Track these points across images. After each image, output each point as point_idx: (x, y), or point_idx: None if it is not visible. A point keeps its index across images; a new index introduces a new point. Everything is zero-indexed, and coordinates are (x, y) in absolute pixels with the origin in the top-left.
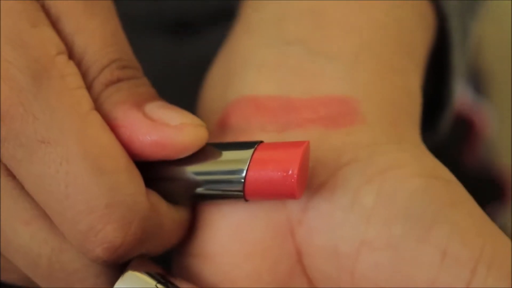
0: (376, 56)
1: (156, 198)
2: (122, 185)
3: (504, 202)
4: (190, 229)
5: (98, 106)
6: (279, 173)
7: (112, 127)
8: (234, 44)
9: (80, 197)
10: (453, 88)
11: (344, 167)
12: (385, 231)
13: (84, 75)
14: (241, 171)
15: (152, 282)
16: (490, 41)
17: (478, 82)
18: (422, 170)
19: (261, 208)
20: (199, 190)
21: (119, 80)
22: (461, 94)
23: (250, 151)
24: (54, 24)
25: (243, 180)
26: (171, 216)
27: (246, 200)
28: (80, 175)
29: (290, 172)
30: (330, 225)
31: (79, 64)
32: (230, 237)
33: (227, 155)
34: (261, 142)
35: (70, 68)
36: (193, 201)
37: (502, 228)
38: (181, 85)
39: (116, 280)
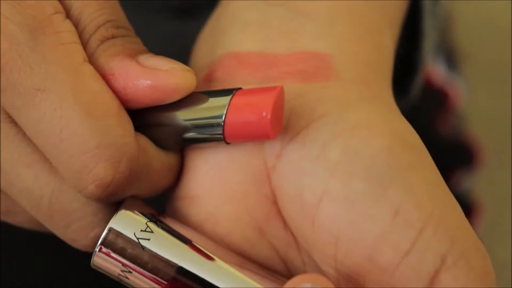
0: (351, 16)
1: (144, 141)
2: (111, 128)
3: (473, 165)
4: (178, 174)
5: (95, 60)
6: (254, 116)
7: (109, 77)
8: (224, 6)
9: (73, 140)
10: (424, 52)
11: (316, 120)
12: (345, 185)
13: (81, 34)
14: (220, 115)
15: (143, 220)
16: (463, 21)
17: (451, 59)
18: (389, 131)
19: (241, 154)
20: (185, 134)
21: (113, 37)
22: (436, 68)
23: (229, 97)
24: None
25: (222, 124)
26: (159, 159)
27: (227, 143)
28: (73, 120)
29: (264, 114)
30: (298, 173)
31: (76, 25)
32: (212, 181)
33: (209, 101)
34: (239, 88)
35: (66, 26)
36: (181, 145)
37: (470, 189)
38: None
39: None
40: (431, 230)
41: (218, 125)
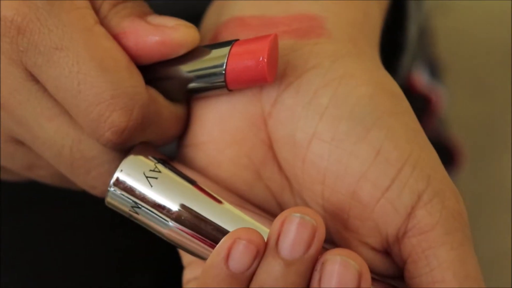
0: None
1: (154, 92)
2: (123, 79)
3: (454, 165)
4: (186, 124)
5: (108, 21)
6: (252, 61)
7: (122, 35)
8: None
9: (89, 91)
10: (409, 33)
11: (309, 71)
12: (332, 127)
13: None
14: (222, 64)
15: (152, 161)
16: (444, 34)
17: (434, 69)
18: (373, 80)
19: (240, 102)
20: (191, 85)
21: (124, 1)
22: (420, 76)
23: (228, 47)
24: None
25: (224, 72)
26: (168, 108)
27: (229, 90)
28: (89, 74)
29: (261, 58)
30: (291, 118)
31: None
32: (214, 127)
33: (211, 53)
34: (237, 40)
35: None
36: (187, 95)
37: None
38: None
39: None
40: (409, 169)
41: (220, 73)
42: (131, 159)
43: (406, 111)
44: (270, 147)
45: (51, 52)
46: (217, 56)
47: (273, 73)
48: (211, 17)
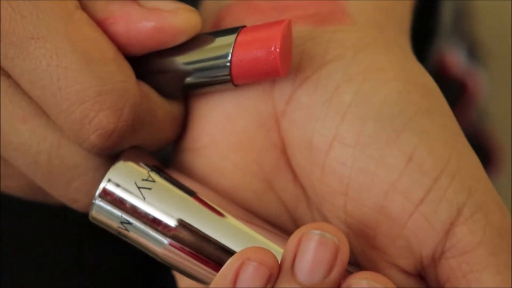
0: None
1: (146, 87)
2: (111, 74)
3: (492, 167)
4: (183, 126)
5: (93, 4)
6: (262, 51)
7: (110, 21)
8: None
9: (72, 88)
10: (442, 18)
11: (328, 63)
12: (357, 129)
13: None
14: (226, 55)
15: (145, 169)
16: (487, 11)
17: (473, 50)
18: (403, 74)
19: (249, 100)
20: (190, 79)
21: None
22: (455, 56)
23: (234, 35)
24: None
25: (229, 64)
26: (163, 106)
27: (235, 85)
28: (70, 67)
29: (273, 48)
30: (308, 118)
31: None
32: (218, 129)
33: (214, 42)
34: (244, 26)
35: None
36: (185, 91)
37: None
38: None
39: None
40: (447, 179)
41: (224, 65)
42: (120, 166)
43: (443, 110)
44: (283, 151)
45: (26, 42)
46: (221, 45)
47: (286, 66)
48: None
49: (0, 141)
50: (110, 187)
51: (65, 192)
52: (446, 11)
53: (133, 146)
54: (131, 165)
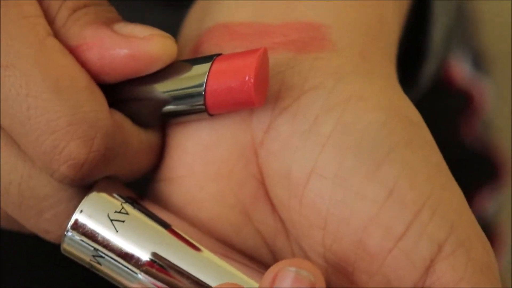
0: None
1: (120, 116)
2: (82, 103)
3: (498, 180)
4: (162, 154)
5: (67, 30)
6: (236, 81)
7: (83, 47)
8: None
9: (42, 117)
10: (432, 39)
11: (308, 92)
12: (336, 161)
13: (50, 3)
14: (201, 84)
15: (118, 201)
16: (491, 19)
17: (478, 59)
18: (385, 104)
19: (227, 129)
20: (166, 108)
21: (86, 6)
22: (460, 66)
23: (209, 64)
24: None
25: (203, 93)
26: (137, 136)
27: (210, 115)
28: (41, 96)
29: (247, 78)
30: (287, 149)
31: None
32: (195, 158)
33: (189, 70)
34: (220, 54)
35: None
36: (162, 120)
37: (498, 210)
38: None
39: None
40: (428, 213)
41: (199, 94)
42: (93, 197)
43: (426, 141)
44: (262, 183)
45: None
46: (196, 74)
47: (262, 95)
48: (192, 22)
49: None
50: (82, 219)
51: (36, 223)
52: (437, 31)
53: (107, 176)
54: (104, 196)
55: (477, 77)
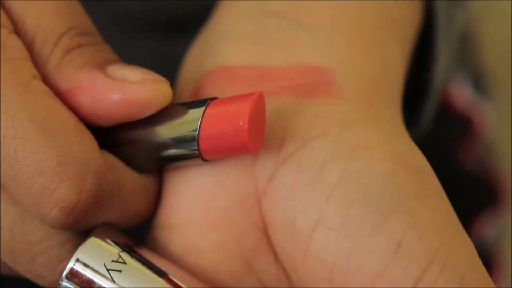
0: (355, 27)
1: (112, 157)
2: (71, 143)
3: (499, 207)
4: (160, 199)
5: (60, 72)
6: (230, 126)
7: (76, 91)
8: (215, 18)
9: (30, 159)
10: (435, 77)
11: (313, 140)
12: (342, 212)
13: (42, 45)
14: (195, 129)
15: (115, 250)
16: (492, 42)
17: (479, 82)
18: (392, 153)
19: (228, 175)
20: (161, 152)
21: (79, 46)
22: (460, 91)
23: (202, 108)
24: (1, 4)
25: (197, 138)
26: (131, 177)
27: (205, 160)
28: (28, 138)
29: (241, 123)
30: (291, 198)
31: (34, 37)
32: (195, 206)
33: (183, 114)
34: (215, 98)
35: (12, 41)
36: (158, 165)
37: (498, 235)
38: (173, 85)
39: None
40: (438, 267)
41: (193, 139)
42: (89, 245)
43: (434, 191)
44: (265, 232)
45: None
46: (190, 118)
47: (258, 140)
48: (191, 64)
49: None
50: (78, 268)
51: (30, 269)
52: (439, 70)
53: (104, 223)
54: (101, 244)
55: (477, 100)
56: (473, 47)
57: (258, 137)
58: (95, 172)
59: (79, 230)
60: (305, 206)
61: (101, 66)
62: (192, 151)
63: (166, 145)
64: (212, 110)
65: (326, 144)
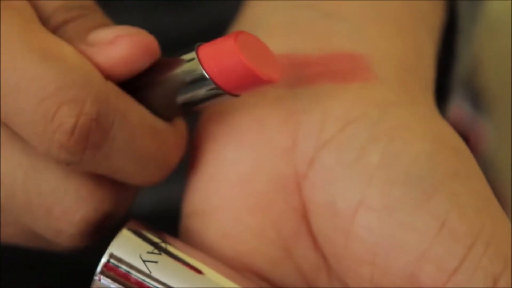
0: (385, 16)
1: (118, 89)
2: (71, 67)
3: None
4: (193, 185)
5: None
6: (229, 60)
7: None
8: (246, 13)
9: (31, 87)
10: (455, 76)
11: (353, 122)
12: (384, 193)
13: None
14: (198, 69)
15: (149, 240)
16: (490, 59)
17: (477, 99)
18: (431, 134)
19: (267, 160)
20: (176, 100)
21: (64, 22)
22: (457, 108)
23: (193, 52)
24: None
25: (206, 75)
26: (139, 112)
27: (235, 95)
28: (28, 67)
29: (237, 57)
30: (332, 181)
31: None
32: (233, 190)
33: (181, 62)
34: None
35: None
36: (181, 112)
37: None
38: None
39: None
40: (482, 247)
41: (203, 78)
42: (122, 238)
43: (474, 172)
44: (304, 216)
45: None
46: (189, 61)
47: (272, 70)
48: None
49: None
50: (113, 262)
51: (47, 224)
52: (460, 66)
53: (133, 218)
54: (134, 236)
55: (475, 117)
56: (472, 63)
57: (271, 67)
58: (96, 95)
59: (88, 170)
60: (347, 188)
61: (81, 38)
62: (214, 90)
63: (180, 92)
64: (203, 51)
65: (366, 126)
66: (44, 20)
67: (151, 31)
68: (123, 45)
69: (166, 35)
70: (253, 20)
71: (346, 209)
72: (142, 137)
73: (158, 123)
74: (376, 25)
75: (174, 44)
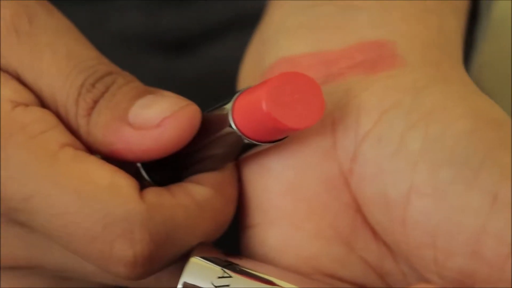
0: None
1: (154, 196)
2: (107, 203)
3: None
4: (245, 200)
5: (93, 138)
6: (257, 112)
7: (115, 154)
8: (267, 18)
9: (79, 231)
10: (472, 64)
11: (387, 112)
12: (432, 176)
13: (67, 114)
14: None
15: (217, 265)
16: (490, 59)
17: None
18: (470, 110)
19: (310, 164)
20: (220, 155)
21: (95, 102)
22: None
23: (231, 103)
24: (18, 78)
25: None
26: (182, 205)
27: (274, 142)
28: (69, 211)
29: (264, 106)
30: (378, 173)
31: (57, 108)
32: (285, 199)
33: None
34: (240, 92)
35: (29, 116)
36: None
37: None
38: None
39: None
40: None
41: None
42: (192, 266)
43: None
44: (358, 210)
45: (23, 205)
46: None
47: (308, 113)
48: (251, 62)
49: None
50: None
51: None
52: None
53: (200, 243)
54: (202, 263)
55: None
56: (472, 66)
57: (308, 111)
58: (140, 221)
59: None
60: (394, 178)
61: (123, 117)
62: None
63: (220, 149)
64: (239, 102)
65: (400, 114)
66: (74, 108)
67: (153, 29)
68: (171, 128)
69: (169, 33)
70: (274, 24)
71: (397, 198)
72: (195, 223)
73: (201, 198)
74: (399, 8)
75: (176, 43)
